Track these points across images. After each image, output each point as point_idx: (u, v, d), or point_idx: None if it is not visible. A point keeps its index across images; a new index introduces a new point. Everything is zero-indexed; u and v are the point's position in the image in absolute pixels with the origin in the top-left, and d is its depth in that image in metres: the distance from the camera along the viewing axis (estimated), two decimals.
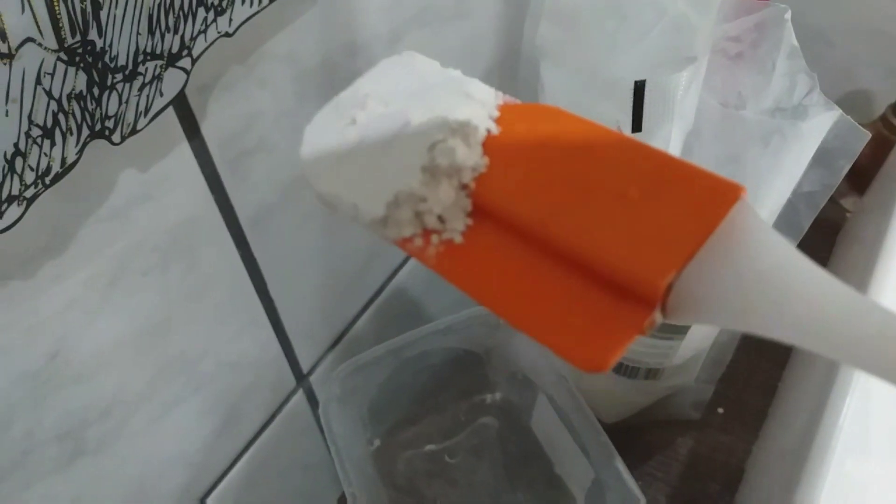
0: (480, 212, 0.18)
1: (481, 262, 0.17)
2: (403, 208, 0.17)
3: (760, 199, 0.28)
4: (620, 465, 0.36)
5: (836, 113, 0.27)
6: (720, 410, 0.47)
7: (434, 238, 0.18)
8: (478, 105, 0.18)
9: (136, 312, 0.31)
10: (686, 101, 0.26)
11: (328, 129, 0.19)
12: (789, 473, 0.33)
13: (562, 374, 0.39)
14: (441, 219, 0.17)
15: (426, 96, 0.18)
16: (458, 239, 0.17)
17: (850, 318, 0.13)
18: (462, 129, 0.18)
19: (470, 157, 0.17)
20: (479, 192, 0.17)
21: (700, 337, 0.36)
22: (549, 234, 0.16)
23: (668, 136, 0.26)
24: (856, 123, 0.26)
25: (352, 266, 0.44)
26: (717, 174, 0.16)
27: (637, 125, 0.25)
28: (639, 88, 0.24)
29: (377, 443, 0.45)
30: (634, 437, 0.46)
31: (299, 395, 0.45)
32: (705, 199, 0.15)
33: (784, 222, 0.29)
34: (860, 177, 0.54)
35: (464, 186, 0.18)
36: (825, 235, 0.54)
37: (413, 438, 0.45)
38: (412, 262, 0.50)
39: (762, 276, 0.14)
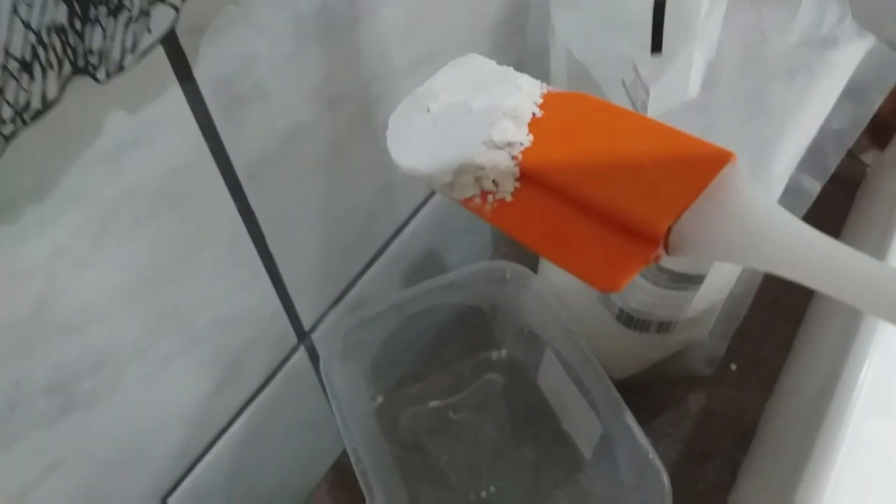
0: (526, 177, 0.22)
1: (526, 215, 0.22)
2: (466, 175, 0.22)
3: (784, 138, 0.26)
4: (630, 419, 0.35)
5: (869, 41, 0.25)
6: (733, 367, 0.46)
7: (490, 198, 0.22)
8: (525, 94, 0.23)
9: (128, 263, 0.29)
10: (708, 25, 0.24)
11: (407, 117, 0.25)
12: (806, 432, 0.32)
13: (570, 329, 0.38)
14: (495, 183, 0.22)
15: (484, 88, 0.23)
16: (509, 198, 0.22)
17: (812, 255, 0.18)
18: (512, 113, 0.22)
19: (518, 135, 0.22)
20: (525, 161, 0.22)
21: (715, 288, 0.35)
22: (579, 192, 0.21)
23: (690, 59, 0.24)
24: (892, 51, 0.25)
25: (354, 222, 0.43)
26: (713, 144, 0.20)
27: (657, 45, 0.24)
28: (659, 6, 0.23)
29: (380, 399, 0.44)
30: (644, 393, 0.45)
31: (301, 353, 0.44)
32: (701, 163, 0.20)
33: (809, 163, 0.28)
34: (881, 131, 0.52)
35: (513, 157, 0.22)
36: (844, 191, 0.53)
37: (417, 395, 0.45)
38: (417, 219, 0.49)
39: (743, 223, 0.19)
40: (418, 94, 0.25)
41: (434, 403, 0.45)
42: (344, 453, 0.47)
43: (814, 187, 0.29)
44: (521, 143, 0.22)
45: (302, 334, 0.43)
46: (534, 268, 0.43)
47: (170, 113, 0.28)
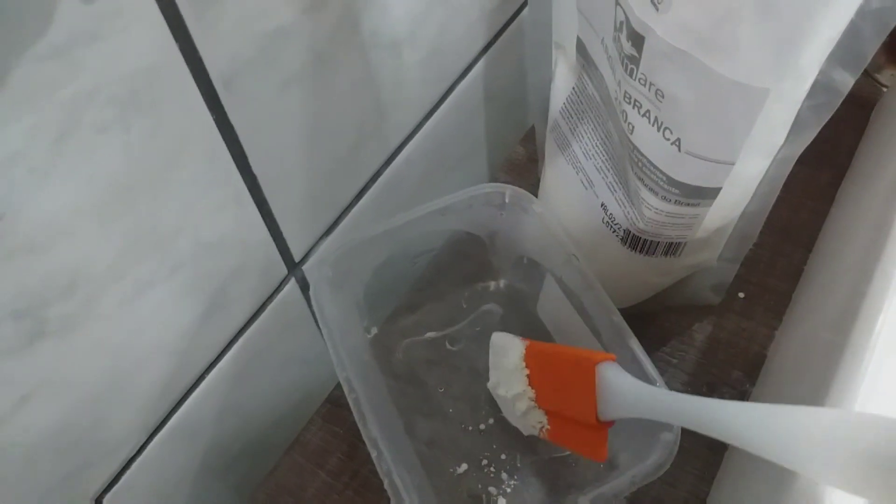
0: (546, 411, 0.35)
1: (556, 430, 0.35)
2: (529, 428, 0.36)
3: (816, 22, 0.23)
4: (635, 344, 0.33)
5: None
6: (741, 295, 0.44)
7: (544, 430, 0.36)
8: (514, 367, 0.36)
9: (94, 175, 0.27)
10: None
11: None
12: (823, 363, 0.30)
13: (572, 253, 0.36)
14: (540, 422, 0.36)
15: (502, 376, 0.38)
16: (548, 427, 0.35)
17: (666, 409, 0.28)
18: (516, 397, 0.36)
19: (526, 402, 0.36)
20: (540, 403, 0.35)
21: (730, 204, 0.32)
22: (563, 413, 0.34)
23: None
24: None
25: (344, 144, 0.40)
26: (598, 352, 0.33)
27: None
28: None
29: (374, 331, 0.43)
30: (647, 322, 0.43)
31: (292, 284, 0.42)
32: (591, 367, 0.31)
33: (843, 51, 0.25)
34: None
35: (536, 406, 0.36)
36: (859, 111, 0.50)
37: (412, 326, 0.43)
38: (410, 145, 0.47)
39: (619, 395, 0.30)
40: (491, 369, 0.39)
41: (430, 335, 0.43)
42: (338, 387, 0.45)
43: (845, 82, 0.26)
44: (532, 399, 0.35)
45: (292, 265, 0.41)
46: (534, 192, 0.40)
47: (131, 3, 0.25)
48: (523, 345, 0.37)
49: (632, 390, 0.29)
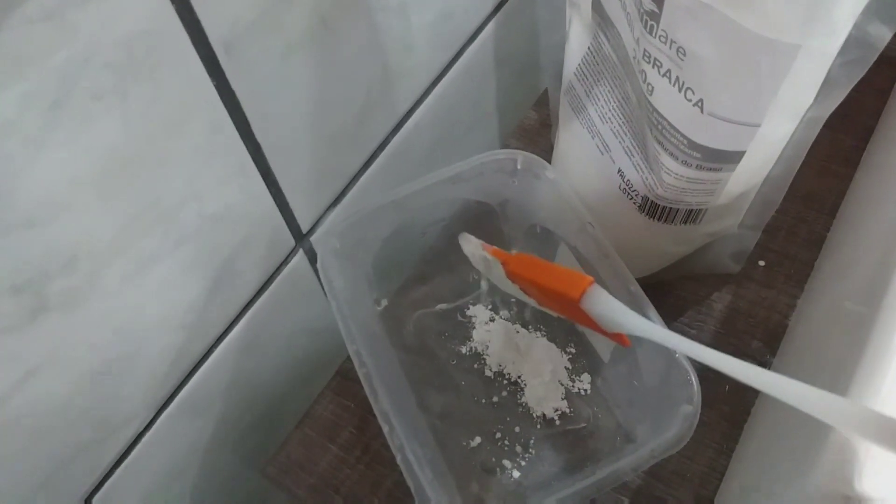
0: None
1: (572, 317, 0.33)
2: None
3: None
4: (654, 315, 0.32)
5: None
6: (761, 263, 0.43)
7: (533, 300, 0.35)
8: (510, 285, 0.35)
9: (92, 145, 0.26)
10: None
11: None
12: (847, 338, 0.29)
13: (587, 221, 0.35)
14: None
15: (495, 279, 0.37)
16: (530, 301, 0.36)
17: (632, 325, 0.30)
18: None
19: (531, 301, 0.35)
20: (543, 306, 0.35)
21: (754, 168, 0.31)
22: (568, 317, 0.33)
23: None
24: None
25: (350, 111, 0.39)
26: (578, 283, 0.31)
27: None
28: None
29: (385, 303, 0.42)
30: (665, 292, 0.42)
31: (300, 256, 0.41)
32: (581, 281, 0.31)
33: (880, 1, 0.24)
34: None
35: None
36: (886, 71, 0.48)
37: (423, 298, 0.42)
38: (418, 112, 0.45)
39: (612, 322, 0.30)
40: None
41: (441, 306, 0.42)
42: (348, 360, 0.45)
43: (882, 36, 0.25)
44: (534, 304, 0.35)
45: (300, 236, 0.41)
46: (547, 159, 0.39)
47: None
48: (500, 264, 0.35)
49: (616, 319, 0.30)
